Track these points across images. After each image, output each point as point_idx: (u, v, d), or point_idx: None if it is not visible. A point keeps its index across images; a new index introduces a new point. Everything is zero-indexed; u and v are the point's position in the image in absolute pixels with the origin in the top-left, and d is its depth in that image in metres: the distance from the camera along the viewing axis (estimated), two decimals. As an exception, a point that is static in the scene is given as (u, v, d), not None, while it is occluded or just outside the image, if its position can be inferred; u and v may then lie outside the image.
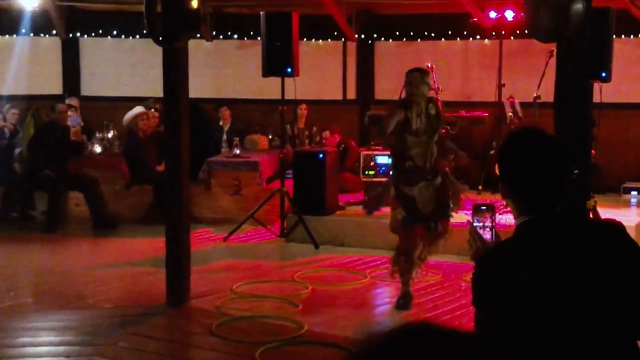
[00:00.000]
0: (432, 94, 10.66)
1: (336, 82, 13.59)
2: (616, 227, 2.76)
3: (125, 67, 14.04)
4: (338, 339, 6.12)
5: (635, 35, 11.87)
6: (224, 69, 13.87)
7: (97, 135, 11.95)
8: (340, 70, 13.54)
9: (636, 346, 2.69)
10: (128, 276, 8.15)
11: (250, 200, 10.51)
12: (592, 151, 9.50)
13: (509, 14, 11.52)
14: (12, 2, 13.19)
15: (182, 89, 7.05)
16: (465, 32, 12.68)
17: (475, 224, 2.97)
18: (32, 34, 13.90)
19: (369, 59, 13.43)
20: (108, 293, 7.55)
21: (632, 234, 2.79)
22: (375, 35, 13.36)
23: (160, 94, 7.27)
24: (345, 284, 7.87)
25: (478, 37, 12.64)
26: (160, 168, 10.41)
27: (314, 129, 12.33)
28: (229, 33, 13.71)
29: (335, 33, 13.29)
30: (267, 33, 9.62)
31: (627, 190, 11.25)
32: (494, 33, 12.11)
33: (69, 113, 11.53)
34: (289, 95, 9.94)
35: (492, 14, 11.73)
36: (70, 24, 14.00)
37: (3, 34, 14.00)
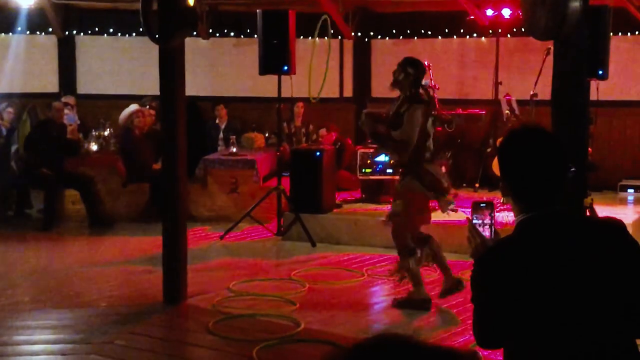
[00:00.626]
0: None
1: (333, 80, 13.57)
2: (616, 226, 2.76)
3: (121, 65, 14.02)
4: (335, 337, 6.11)
5: (632, 33, 11.86)
6: (221, 67, 13.86)
7: (94, 133, 11.92)
8: (337, 68, 13.53)
9: (635, 344, 2.69)
10: (124, 274, 8.14)
11: (247, 199, 10.50)
12: (589, 149, 9.50)
13: (506, 12, 11.52)
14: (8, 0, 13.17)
15: (179, 87, 7.04)
16: (462, 30, 12.68)
17: (474, 222, 2.97)
18: (28, 32, 13.88)
19: (366, 57, 13.43)
20: (104, 291, 7.54)
21: (629, 231, 2.77)
22: (371, 33, 13.36)
23: (157, 92, 7.26)
24: (342, 282, 7.87)
25: (475, 35, 12.64)
26: (157, 166, 10.41)
27: (311, 127, 12.32)
28: (226, 31, 13.70)
29: (332, 31, 13.28)
30: (264, 31, 9.61)
31: (624, 188, 11.27)
32: (490, 31, 12.11)
33: (66, 111, 11.51)
34: (285, 93, 9.93)
35: (489, 12, 11.73)
36: (66, 21, 13.98)
37: (-1, 32, 13.97)
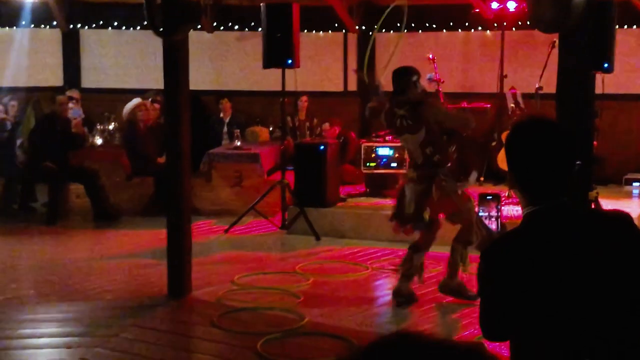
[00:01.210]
0: (433, 86, 10.73)
1: (337, 73, 13.56)
2: (624, 219, 2.75)
3: (125, 59, 14.01)
4: (339, 330, 6.12)
5: (638, 26, 11.83)
6: (225, 61, 13.85)
7: (98, 127, 11.93)
8: (341, 61, 13.52)
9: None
10: (129, 268, 8.15)
11: (251, 192, 10.50)
12: (594, 142, 9.48)
13: (511, 5, 11.49)
14: (12, -7, 13.18)
15: (183, 80, 7.03)
16: (466, 23, 12.65)
17: (480, 214, 2.96)
18: (32, 26, 13.87)
19: (370, 51, 13.39)
20: (109, 285, 7.55)
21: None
22: (376, 27, 13.32)
23: (161, 86, 7.26)
24: (346, 276, 7.87)
25: (480, 28, 12.61)
26: (161, 160, 10.41)
27: (315, 120, 12.31)
28: (230, 24, 13.68)
29: (336, 24, 13.26)
30: (268, 24, 9.59)
31: (629, 182, 11.25)
32: (495, 24, 12.08)
33: (70, 105, 11.51)
34: (289, 87, 9.92)
35: (494, 5, 11.69)
36: (70, 15, 13.97)
37: (3, 26, 13.96)
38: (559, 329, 2.60)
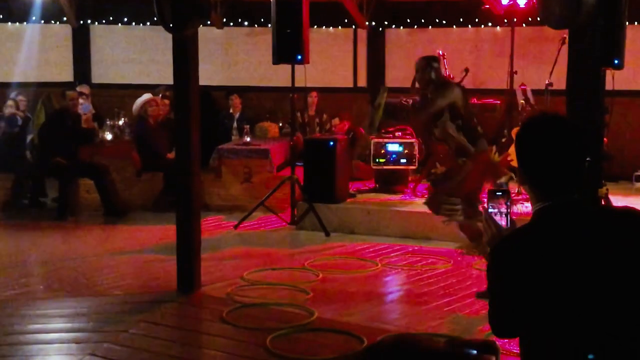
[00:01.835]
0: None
1: (347, 69, 13.56)
2: (634, 214, 2.74)
3: (135, 55, 14.04)
4: (348, 326, 6.11)
5: (648, 22, 11.78)
6: (235, 57, 13.86)
7: (108, 122, 11.95)
8: (351, 57, 13.52)
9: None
10: (139, 263, 8.17)
11: (260, 188, 10.51)
12: (605, 139, 9.44)
13: (521, 1, 11.45)
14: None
15: (193, 76, 7.03)
16: (476, 19, 12.63)
17: (490, 210, 2.95)
18: (42, 21, 13.93)
19: (380, 47, 13.40)
20: (119, 280, 7.56)
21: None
22: (386, 23, 13.32)
23: (171, 82, 7.26)
24: (356, 272, 7.87)
25: (490, 24, 12.59)
26: (171, 155, 10.42)
27: (325, 116, 12.31)
28: (239, 20, 13.69)
29: (346, 20, 13.26)
30: (278, 20, 9.58)
31: (639, 178, 11.21)
32: (505, 20, 12.06)
33: (80, 101, 11.54)
34: (299, 83, 9.91)
35: (504, 1, 11.66)
36: (80, 11, 14.01)
37: (14, 22, 14.01)
38: (568, 325, 2.59)
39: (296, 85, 9.94)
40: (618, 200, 8.69)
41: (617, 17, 6.87)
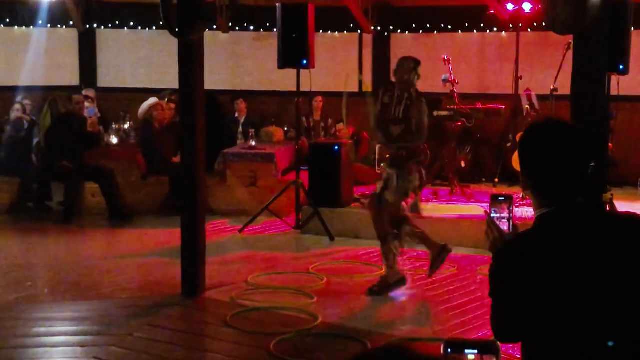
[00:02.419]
0: (448, 87, 10.71)
1: (352, 74, 13.55)
2: (637, 220, 2.74)
3: (141, 59, 14.07)
4: (352, 330, 6.12)
5: (654, 28, 11.76)
6: (240, 61, 13.88)
7: (114, 126, 11.97)
8: (356, 62, 13.52)
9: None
10: (143, 267, 8.18)
11: (265, 192, 10.52)
12: (609, 144, 9.45)
13: (527, 6, 11.47)
14: (29, -7, 13.24)
15: (198, 80, 7.05)
16: (482, 25, 12.63)
17: (492, 215, 2.96)
18: (49, 25, 13.94)
19: (385, 52, 13.39)
20: (123, 284, 7.57)
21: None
22: (391, 28, 13.33)
23: (177, 86, 7.28)
24: (360, 276, 7.87)
25: (495, 29, 12.59)
26: (177, 159, 10.43)
27: (330, 121, 12.32)
28: (245, 25, 13.71)
29: (352, 25, 13.27)
30: (283, 25, 9.61)
31: (645, 184, 11.18)
32: (511, 25, 12.06)
33: (86, 104, 11.56)
34: (304, 88, 9.93)
35: (510, 6, 11.68)
36: (87, 15, 14.04)
37: (20, 25, 14.04)
38: (571, 330, 2.60)
39: (301, 89, 9.96)
40: (623, 206, 8.67)
41: (622, 22, 6.89)
